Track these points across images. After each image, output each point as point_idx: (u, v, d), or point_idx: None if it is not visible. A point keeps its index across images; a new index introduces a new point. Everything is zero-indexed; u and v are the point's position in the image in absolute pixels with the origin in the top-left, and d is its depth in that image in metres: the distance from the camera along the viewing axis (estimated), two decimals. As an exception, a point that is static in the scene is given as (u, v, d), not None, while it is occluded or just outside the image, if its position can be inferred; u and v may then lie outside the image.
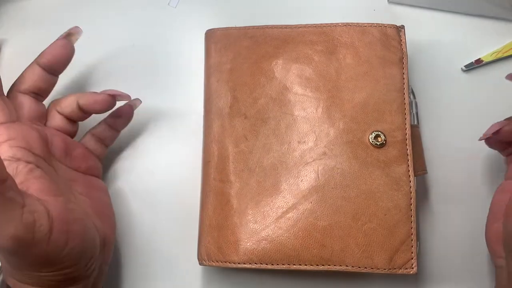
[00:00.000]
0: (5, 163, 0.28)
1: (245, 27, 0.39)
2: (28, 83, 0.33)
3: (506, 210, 0.32)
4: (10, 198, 0.24)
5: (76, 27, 0.36)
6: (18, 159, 0.29)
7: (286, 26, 0.38)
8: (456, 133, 0.40)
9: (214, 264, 0.34)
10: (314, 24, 0.38)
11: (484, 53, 0.42)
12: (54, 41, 0.35)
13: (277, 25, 0.39)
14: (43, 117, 0.34)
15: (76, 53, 0.36)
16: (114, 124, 0.38)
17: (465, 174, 0.39)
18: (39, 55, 0.34)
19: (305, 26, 0.38)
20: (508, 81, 0.35)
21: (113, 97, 0.35)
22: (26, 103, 0.33)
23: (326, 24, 0.38)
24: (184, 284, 0.38)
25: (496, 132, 0.33)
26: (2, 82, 0.32)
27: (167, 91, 0.42)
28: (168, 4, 0.45)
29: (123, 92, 0.36)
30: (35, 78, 0.33)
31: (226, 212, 0.34)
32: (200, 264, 0.35)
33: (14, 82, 0.34)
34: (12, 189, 0.25)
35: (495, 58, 0.41)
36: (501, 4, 0.42)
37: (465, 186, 0.38)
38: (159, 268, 0.38)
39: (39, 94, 0.34)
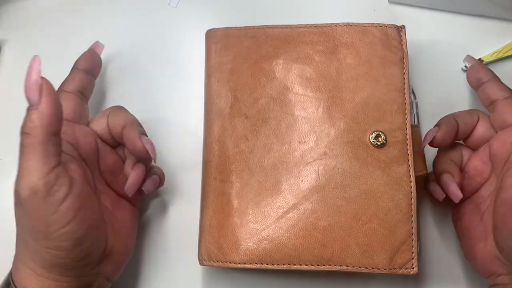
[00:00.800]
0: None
1: (245, 27, 0.39)
2: (74, 83, 0.36)
3: (493, 223, 0.31)
4: (50, 151, 0.27)
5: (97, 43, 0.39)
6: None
7: (286, 26, 0.38)
8: (456, 133, 0.40)
9: (214, 264, 0.34)
10: (315, 24, 0.38)
11: (484, 53, 0.42)
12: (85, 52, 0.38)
13: (278, 25, 0.39)
14: (86, 117, 0.36)
15: (77, 54, 0.36)
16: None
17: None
18: (75, 62, 0.37)
19: (306, 26, 0.38)
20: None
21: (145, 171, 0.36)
22: (73, 100, 0.35)
23: (327, 24, 0.38)
24: (184, 284, 0.38)
25: (431, 142, 0.35)
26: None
27: (167, 91, 0.42)
28: (168, 4, 0.45)
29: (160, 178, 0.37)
30: (77, 78, 0.36)
31: (227, 212, 0.34)
32: (201, 264, 0.35)
33: (59, 86, 0.35)
34: (56, 146, 0.27)
35: (495, 58, 0.42)
36: (502, 4, 0.42)
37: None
38: (159, 268, 0.38)
39: (84, 94, 0.36)
